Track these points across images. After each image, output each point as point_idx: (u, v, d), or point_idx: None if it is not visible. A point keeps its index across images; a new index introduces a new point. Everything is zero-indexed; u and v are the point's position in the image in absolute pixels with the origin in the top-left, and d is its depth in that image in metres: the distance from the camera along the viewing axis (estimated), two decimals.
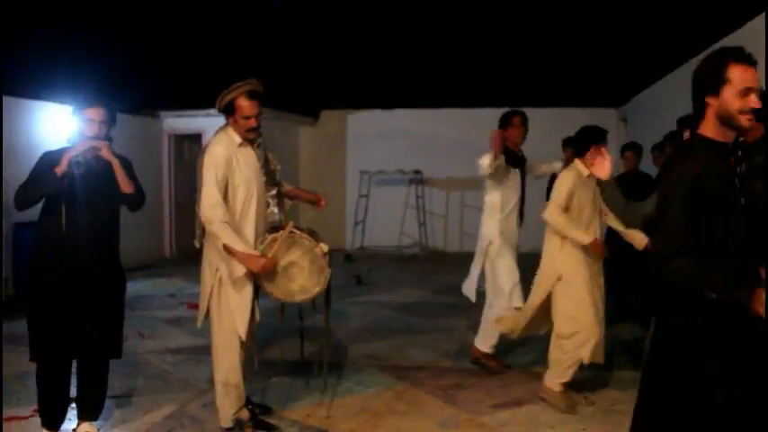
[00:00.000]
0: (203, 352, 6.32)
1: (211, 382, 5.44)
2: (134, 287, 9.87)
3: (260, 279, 4.36)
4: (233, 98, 4.28)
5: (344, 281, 10.14)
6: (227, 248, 4.18)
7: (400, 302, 8.97)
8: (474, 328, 7.19)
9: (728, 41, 7.23)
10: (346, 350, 6.51)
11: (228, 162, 4.24)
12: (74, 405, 4.43)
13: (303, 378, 5.57)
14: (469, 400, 5.14)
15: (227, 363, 4.38)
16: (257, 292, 4.48)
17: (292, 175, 14.06)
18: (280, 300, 4.56)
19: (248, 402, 4.71)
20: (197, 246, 4.59)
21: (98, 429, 4.40)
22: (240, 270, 4.24)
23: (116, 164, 4.16)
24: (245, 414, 4.47)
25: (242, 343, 4.42)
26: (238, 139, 4.34)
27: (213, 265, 4.34)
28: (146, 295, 9.32)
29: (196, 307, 8.00)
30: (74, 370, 4.35)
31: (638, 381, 5.40)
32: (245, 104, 4.29)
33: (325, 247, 4.44)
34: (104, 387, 4.43)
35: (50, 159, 4.05)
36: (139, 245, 11.77)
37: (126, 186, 4.23)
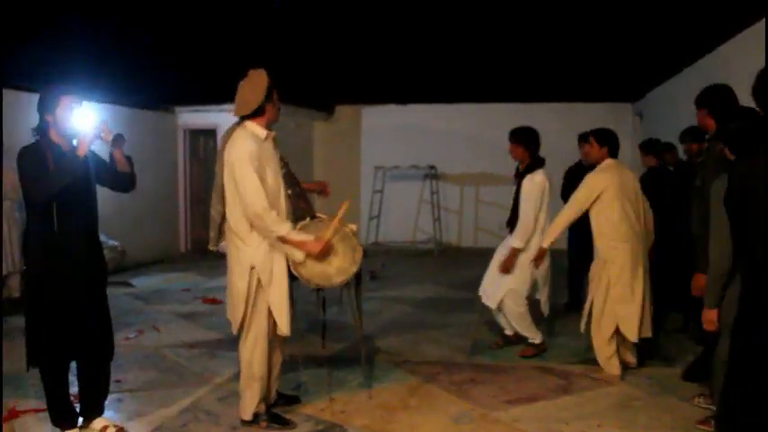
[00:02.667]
0: (218, 346, 6.37)
1: (227, 375, 5.51)
2: (149, 281, 9.94)
3: (298, 268, 4.40)
4: (272, 85, 4.33)
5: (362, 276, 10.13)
6: (282, 239, 4.23)
7: (414, 298, 8.98)
8: (487, 323, 7.21)
9: (744, 37, 7.18)
10: (360, 345, 6.52)
11: (258, 157, 4.25)
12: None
13: (316, 372, 5.59)
14: (483, 396, 5.13)
15: (255, 357, 4.40)
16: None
17: (307, 170, 14.09)
18: (320, 286, 4.61)
19: (280, 396, 4.81)
20: (212, 249, 4.61)
21: (114, 423, 4.42)
22: (300, 256, 4.31)
23: (108, 141, 4.18)
24: (261, 408, 4.50)
25: (279, 337, 4.51)
26: (263, 133, 4.35)
27: (246, 265, 4.29)
28: (161, 290, 9.37)
29: (211, 301, 8.18)
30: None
31: (652, 376, 5.45)
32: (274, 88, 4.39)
33: (354, 227, 4.59)
34: (109, 380, 4.46)
35: (40, 154, 3.97)
36: (154, 239, 11.86)
37: (123, 166, 4.26)
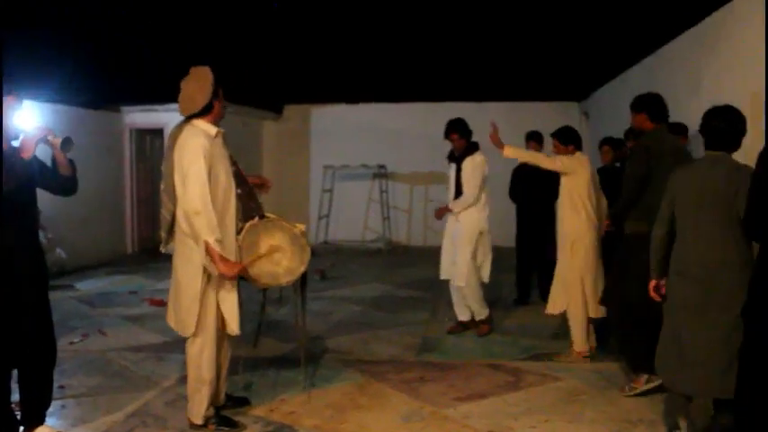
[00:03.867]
0: (166, 349, 6.28)
1: (174, 379, 5.44)
2: (95, 284, 9.75)
3: (244, 272, 4.36)
4: (217, 81, 4.28)
5: (308, 276, 10.08)
6: (206, 246, 4.12)
7: (364, 297, 8.98)
8: (438, 321, 7.29)
9: (683, 39, 7.35)
10: (310, 345, 6.49)
11: (210, 153, 4.19)
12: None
13: (265, 373, 5.56)
14: (433, 394, 5.15)
15: (204, 359, 4.34)
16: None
17: (256, 170, 13.97)
18: (267, 285, 4.61)
19: (228, 398, 4.75)
20: (163, 251, 4.54)
21: (58, 430, 4.31)
22: (214, 270, 4.19)
23: (56, 145, 4.10)
24: (210, 411, 4.45)
25: (226, 339, 4.46)
26: (213, 131, 4.31)
27: (199, 264, 4.21)
28: (107, 292, 9.19)
29: (158, 303, 8.06)
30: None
31: (598, 370, 5.57)
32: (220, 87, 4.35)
33: (302, 227, 4.57)
34: (52, 387, 4.33)
35: None
36: (100, 241, 11.64)
37: (65, 169, 4.18)
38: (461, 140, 6.68)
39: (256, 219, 4.52)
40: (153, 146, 13.01)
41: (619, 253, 5.24)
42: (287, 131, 15.18)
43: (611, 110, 10.76)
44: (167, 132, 4.48)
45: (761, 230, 3.17)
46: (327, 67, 11.24)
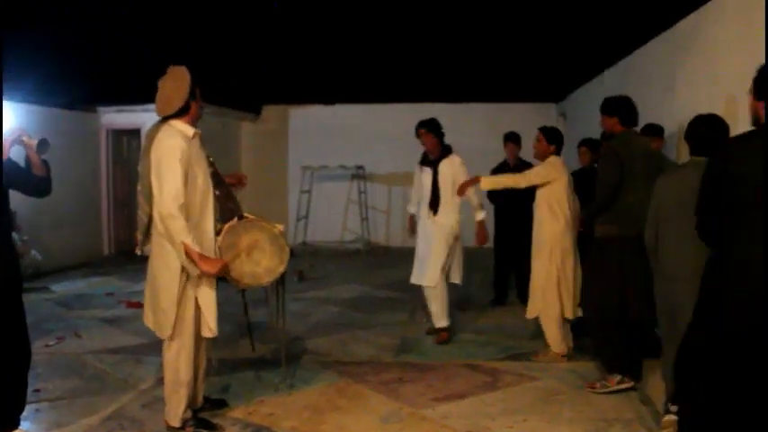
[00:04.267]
0: (143, 351, 6.23)
1: (151, 381, 5.40)
2: (71, 286, 9.66)
3: (226, 269, 4.33)
4: (194, 81, 4.24)
5: (287, 277, 10.05)
6: (185, 247, 4.08)
7: (342, 298, 8.97)
8: (416, 322, 7.30)
9: (657, 42, 7.42)
10: (288, 347, 6.48)
11: (187, 155, 4.16)
12: None
13: (243, 375, 5.54)
14: (412, 394, 5.16)
15: (181, 361, 4.31)
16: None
17: (234, 171, 13.90)
18: (248, 286, 4.61)
19: (206, 400, 4.73)
20: (138, 254, 4.50)
21: None
22: (195, 270, 4.16)
23: (31, 146, 4.07)
24: (187, 414, 4.42)
25: (203, 340, 4.43)
26: (190, 131, 4.27)
27: (177, 266, 4.17)
28: (83, 294, 9.11)
29: (135, 305, 8.00)
30: None
31: (575, 370, 5.61)
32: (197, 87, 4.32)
33: (281, 227, 4.57)
34: (26, 391, 4.28)
35: None
36: (77, 243, 11.53)
37: (39, 169, 4.15)
38: (429, 135, 6.58)
39: (235, 220, 4.51)
40: (130, 146, 12.91)
41: (590, 255, 5.32)
42: (265, 132, 15.12)
43: (588, 111, 10.81)
44: (144, 133, 4.44)
45: (712, 232, 3.27)
46: (306, 68, 11.23)
